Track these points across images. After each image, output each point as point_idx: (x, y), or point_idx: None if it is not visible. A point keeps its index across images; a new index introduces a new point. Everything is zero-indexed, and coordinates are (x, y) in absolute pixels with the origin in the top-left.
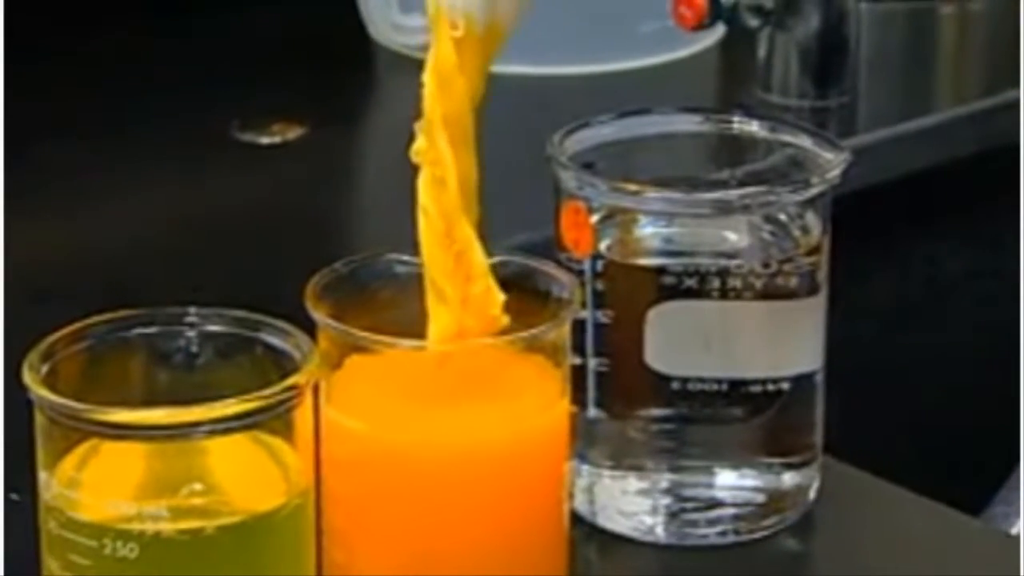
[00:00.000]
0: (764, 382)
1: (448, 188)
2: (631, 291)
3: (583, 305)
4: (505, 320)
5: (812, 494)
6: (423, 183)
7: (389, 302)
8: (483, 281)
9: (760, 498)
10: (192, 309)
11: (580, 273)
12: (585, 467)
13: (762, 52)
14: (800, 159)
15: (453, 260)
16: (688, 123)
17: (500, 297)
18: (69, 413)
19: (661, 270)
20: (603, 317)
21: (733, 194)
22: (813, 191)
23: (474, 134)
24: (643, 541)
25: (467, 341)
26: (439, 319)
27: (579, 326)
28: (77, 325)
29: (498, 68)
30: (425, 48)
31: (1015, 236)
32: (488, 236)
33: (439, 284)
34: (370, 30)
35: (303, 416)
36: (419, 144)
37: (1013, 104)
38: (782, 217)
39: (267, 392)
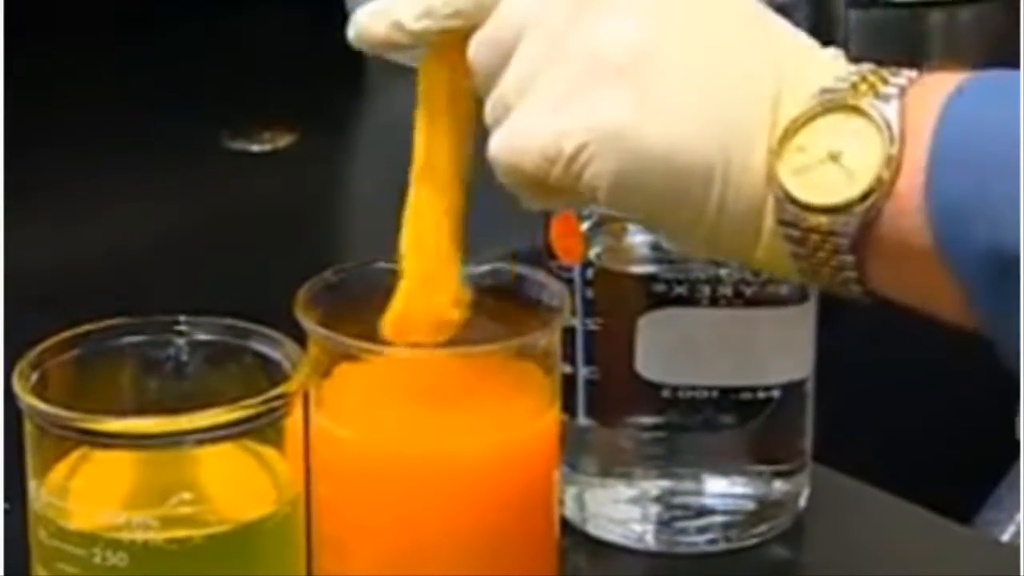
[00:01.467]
0: (754, 390)
1: (416, 159)
2: (621, 299)
3: (573, 313)
4: (456, 316)
5: (802, 502)
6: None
7: (379, 310)
8: (448, 268)
9: (750, 506)
10: (182, 317)
11: (570, 281)
12: (575, 475)
13: None
14: None
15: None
16: None
17: (462, 294)
18: (59, 422)
19: (651, 278)
20: (593, 325)
21: None
22: None
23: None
24: (633, 549)
25: (461, 347)
26: (397, 294)
27: (569, 334)
28: (67, 334)
29: None
30: (416, 56)
31: None
32: (478, 244)
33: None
34: None
35: (293, 424)
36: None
37: None
38: None
39: (257, 400)
